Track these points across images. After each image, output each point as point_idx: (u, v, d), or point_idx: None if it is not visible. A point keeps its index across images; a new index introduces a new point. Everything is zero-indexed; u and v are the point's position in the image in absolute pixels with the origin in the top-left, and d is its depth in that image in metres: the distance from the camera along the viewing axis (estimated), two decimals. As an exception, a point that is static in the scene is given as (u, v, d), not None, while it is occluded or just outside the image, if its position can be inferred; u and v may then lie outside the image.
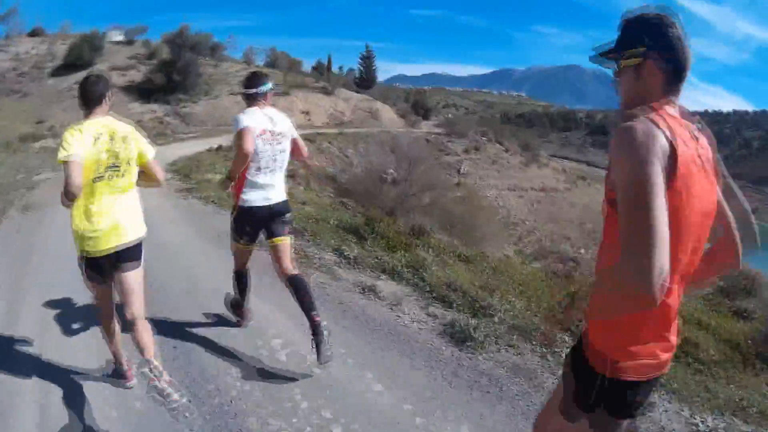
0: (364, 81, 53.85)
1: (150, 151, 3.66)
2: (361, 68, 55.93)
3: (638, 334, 1.80)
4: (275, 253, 4.40)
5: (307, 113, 38.26)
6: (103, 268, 3.53)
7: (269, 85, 4.36)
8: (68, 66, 37.00)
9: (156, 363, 3.33)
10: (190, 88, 36.72)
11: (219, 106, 35.93)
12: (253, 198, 4.23)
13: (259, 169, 4.19)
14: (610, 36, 1.92)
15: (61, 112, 30.22)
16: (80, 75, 35.25)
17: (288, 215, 4.49)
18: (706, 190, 1.76)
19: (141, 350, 3.40)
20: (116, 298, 3.73)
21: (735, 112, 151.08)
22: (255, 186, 4.22)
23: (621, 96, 1.89)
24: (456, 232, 18.35)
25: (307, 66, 54.96)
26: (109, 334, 3.82)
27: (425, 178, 22.52)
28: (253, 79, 4.36)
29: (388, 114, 46.27)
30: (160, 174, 3.81)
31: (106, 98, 3.56)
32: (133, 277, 3.61)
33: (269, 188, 4.28)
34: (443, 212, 21.38)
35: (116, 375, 3.97)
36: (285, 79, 41.77)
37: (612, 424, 1.97)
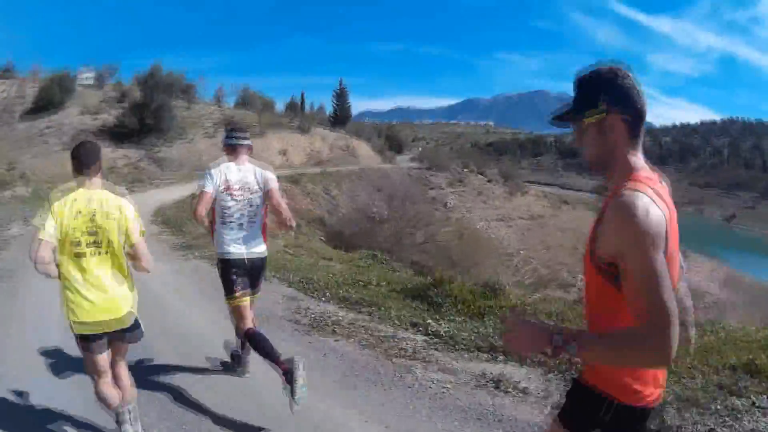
0: (339, 118, 53.34)
1: (135, 233, 3.48)
2: (335, 105, 55.43)
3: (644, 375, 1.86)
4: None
5: (285, 153, 37.72)
6: (98, 341, 3.46)
7: (247, 140, 4.55)
8: (39, 108, 35.84)
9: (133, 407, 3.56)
10: (164, 131, 35.77)
11: (194, 149, 35.08)
12: (229, 250, 4.33)
13: (224, 223, 4.32)
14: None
15: (32, 157, 29.25)
16: (52, 118, 34.59)
17: (264, 270, 4.69)
18: (677, 245, 1.85)
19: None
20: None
21: (702, 122, 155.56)
22: (225, 238, 4.33)
23: (588, 152, 1.91)
24: (459, 269, 17.87)
25: (279, 104, 54.13)
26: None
27: (420, 215, 21.96)
28: (233, 131, 4.58)
29: (364, 150, 45.95)
30: (146, 261, 3.57)
31: (100, 167, 3.54)
32: (126, 347, 3.72)
33: (240, 241, 4.34)
34: (441, 249, 20.75)
35: None
36: (260, 120, 41.11)
37: None
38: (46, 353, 5.18)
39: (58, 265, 3.33)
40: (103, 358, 3.52)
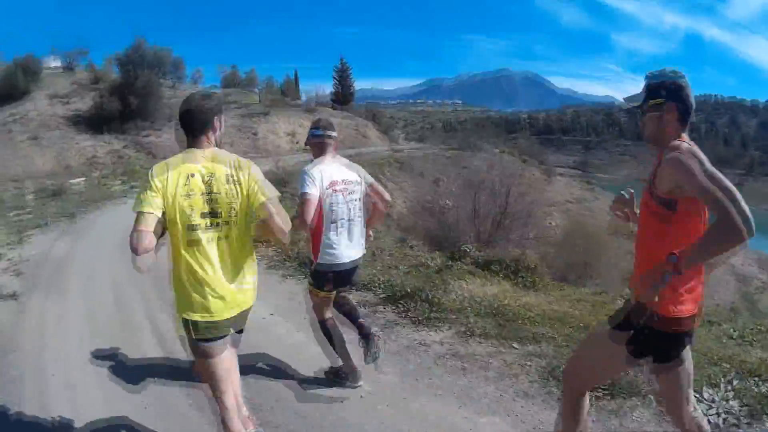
0: (341, 97, 47.43)
1: (264, 193, 2.85)
2: (337, 83, 48.93)
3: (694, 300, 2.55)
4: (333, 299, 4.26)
5: (293, 135, 32.94)
6: (213, 332, 2.88)
7: (335, 134, 4.17)
8: (2, 98, 30.10)
9: None
10: (151, 113, 30.42)
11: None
12: (332, 257, 3.96)
13: (334, 222, 3.95)
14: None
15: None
16: (17, 108, 29.20)
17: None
18: None
19: None
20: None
21: None
22: (332, 243, 3.95)
23: (647, 130, 2.66)
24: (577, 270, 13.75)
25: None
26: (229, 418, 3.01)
27: (524, 209, 17.49)
28: (323, 124, 4.18)
29: (372, 132, 41.28)
30: (279, 223, 2.84)
31: (215, 123, 2.89)
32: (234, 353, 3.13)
33: (347, 244, 4.00)
34: (550, 246, 16.47)
35: None
36: (260, 99, 36.32)
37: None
38: None
39: (172, 258, 2.81)
40: (227, 360, 2.99)
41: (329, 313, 4.23)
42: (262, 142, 31.38)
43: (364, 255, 4.22)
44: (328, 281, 4.03)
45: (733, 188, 2.23)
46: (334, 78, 48.19)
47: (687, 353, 2.65)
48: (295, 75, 47.54)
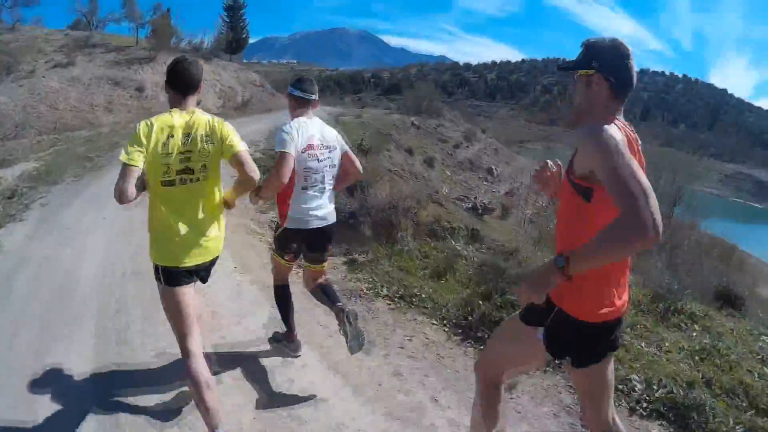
0: (233, 43, 37.84)
1: (236, 144, 3.09)
2: (227, 25, 38.49)
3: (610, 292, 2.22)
4: (311, 275, 4.11)
5: (193, 91, 24.35)
6: (181, 277, 3.10)
7: (316, 95, 3.93)
8: None
9: None
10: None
11: (40, 88, 20.61)
12: (301, 218, 3.81)
13: (305, 188, 3.78)
14: None
15: None
16: None
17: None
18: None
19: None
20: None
21: (524, 60, 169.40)
22: (302, 205, 3.79)
23: (575, 101, 2.30)
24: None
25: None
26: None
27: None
28: (306, 83, 3.91)
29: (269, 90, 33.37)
30: (251, 169, 3.12)
31: (200, 87, 3.12)
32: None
33: (318, 208, 3.85)
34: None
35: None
36: (138, 41, 27.60)
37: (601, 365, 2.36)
38: None
39: (149, 208, 3.06)
40: (191, 303, 3.13)
41: (285, 280, 4.20)
42: (153, 102, 22.19)
43: (334, 222, 4.00)
44: (290, 249, 3.95)
45: (648, 184, 1.85)
46: (223, 19, 38.23)
47: (607, 359, 2.39)
48: (168, 14, 36.09)
